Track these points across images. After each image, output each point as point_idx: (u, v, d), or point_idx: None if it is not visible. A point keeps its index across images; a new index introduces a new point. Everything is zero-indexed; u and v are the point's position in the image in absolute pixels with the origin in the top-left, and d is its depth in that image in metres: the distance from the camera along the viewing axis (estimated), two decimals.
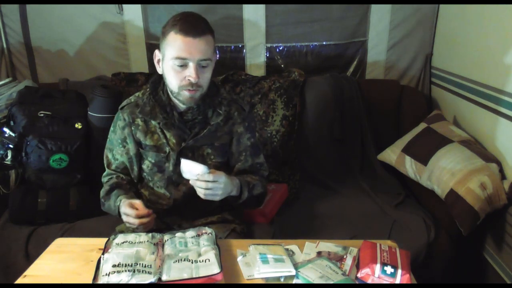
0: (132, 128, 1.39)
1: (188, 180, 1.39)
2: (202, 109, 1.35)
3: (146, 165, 1.41)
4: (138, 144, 1.40)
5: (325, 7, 2.28)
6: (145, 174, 1.43)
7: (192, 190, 1.40)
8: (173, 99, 1.34)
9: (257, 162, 1.46)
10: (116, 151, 1.43)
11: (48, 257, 1.13)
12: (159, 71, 1.33)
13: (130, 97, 1.43)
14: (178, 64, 1.23)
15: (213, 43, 1.28)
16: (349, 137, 2.20)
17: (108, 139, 1.46)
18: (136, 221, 1.20)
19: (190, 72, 1.23)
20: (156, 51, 1.33)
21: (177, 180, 1.39)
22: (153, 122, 1.36)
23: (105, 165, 1.47)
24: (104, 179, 1.47)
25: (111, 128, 1.44)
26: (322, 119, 2.19)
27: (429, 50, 2.36)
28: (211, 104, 1.36)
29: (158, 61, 1.32)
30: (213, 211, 1.46)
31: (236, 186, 1.32)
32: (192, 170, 1.21)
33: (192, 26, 1.22)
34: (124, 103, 1.42)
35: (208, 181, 1.20)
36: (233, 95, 1.71)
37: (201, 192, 1.22)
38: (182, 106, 1.34)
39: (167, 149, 1.37)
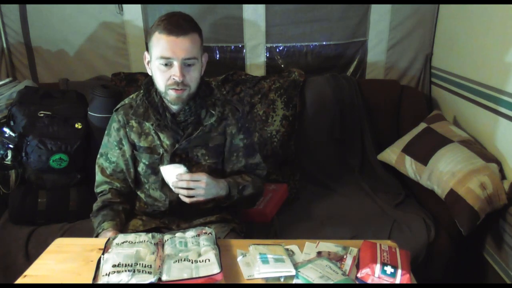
0: (127, 130, 1.39)
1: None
2: (194, 110, 1.33)
3: (140, 167, 1.41)
4: (133, 145, 1.40)
5: (325, 7, 2.28)
6: (141, 176, 1.43)
7: None
8: (164, 99, 1.33)
9: (251, 162, 1.45)
10: (112, 154, 1.41)
11: (48, 257, 1.13)
12: (149, 72, 1.34)
13: (124, 99, 1.43)
14: (163, 63, 1.23)
15: (200, 41, 1.28)
16: (349, 137, 2.20)
17: (102, 144, 1.43)
18: None
19: (175, 71, 1.23)
20: (145, 53, 1.33)
21: None
22: (147, 124, 1.36)
23: (99, 173, 1.42)
24: (97, 190, 1.44)
25: (106, 131, 1.43)
26: (322, 119, 2.19)
27: (429, 50, 2.36)
28: (204, 104, 1.35)
29: (148, 62, 1.33)
30: (212, 211, 1.45)
31: (223, 187, 1.33)
32: (173, 173, 1.22)
33: (175, 25, 1.22)
34: (118, 105, 1.42)
35: (189, 180, 1.21)
36: (228, 96, 1.70)
37: (183, 193, 1.24)
38: (174, 107, 1.34)
39: (161, 150, 1.36)
